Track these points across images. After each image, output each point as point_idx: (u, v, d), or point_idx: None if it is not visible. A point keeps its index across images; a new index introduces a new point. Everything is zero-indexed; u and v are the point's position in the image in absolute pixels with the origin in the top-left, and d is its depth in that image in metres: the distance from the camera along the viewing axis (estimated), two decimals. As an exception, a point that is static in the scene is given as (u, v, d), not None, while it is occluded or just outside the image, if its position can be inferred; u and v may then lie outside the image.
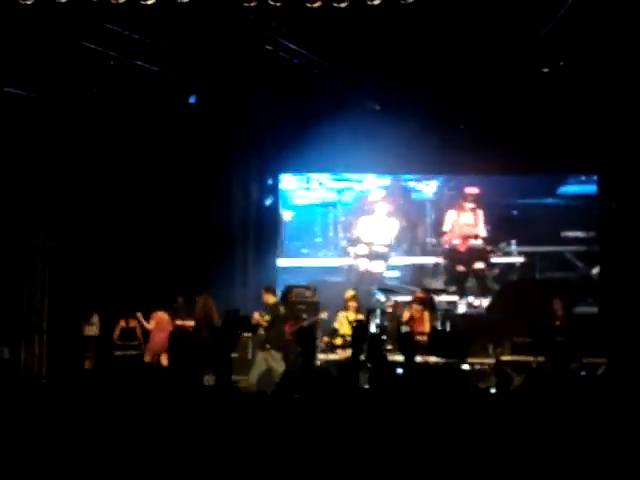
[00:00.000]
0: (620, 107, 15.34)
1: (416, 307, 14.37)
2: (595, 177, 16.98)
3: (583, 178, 17.13)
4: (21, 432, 6.43)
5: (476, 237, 17.03)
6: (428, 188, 17.42)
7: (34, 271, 14.83)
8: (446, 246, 17.12)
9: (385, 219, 17.31)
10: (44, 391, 7.49)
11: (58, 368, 14.09)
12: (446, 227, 17.12)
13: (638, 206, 15.85)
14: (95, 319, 14.89)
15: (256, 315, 13.92)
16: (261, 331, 13.99)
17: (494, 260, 17.00)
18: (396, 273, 17.17)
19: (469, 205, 17.02)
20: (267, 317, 13.85)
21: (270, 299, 14.13)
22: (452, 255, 17.07)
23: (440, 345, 12.75)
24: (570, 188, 17.08)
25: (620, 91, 14.95)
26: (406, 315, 14.41)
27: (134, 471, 6.05)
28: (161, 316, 14.91)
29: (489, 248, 16.98)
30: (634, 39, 13.08)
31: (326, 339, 14.49)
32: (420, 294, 14.89)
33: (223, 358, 12.27)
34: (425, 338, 13.50)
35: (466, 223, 17.06)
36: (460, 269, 17.04)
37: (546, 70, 14.39)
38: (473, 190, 17.01)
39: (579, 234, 16.89)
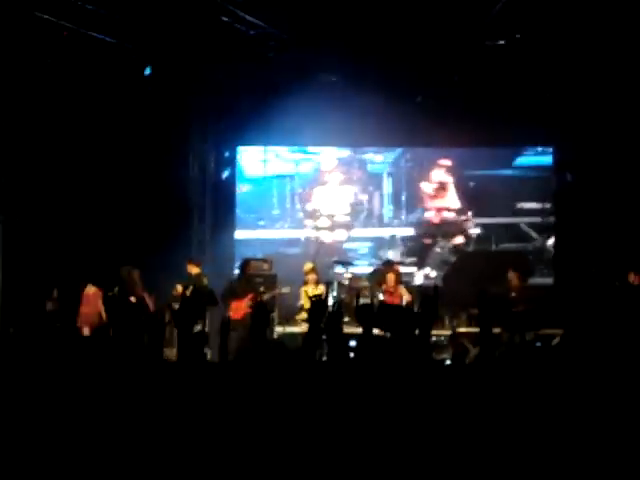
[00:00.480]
0: (575, 78, 15.44)
1: (390, 280, 14.38)
2: (551, 149, 17.10)
3: (539, 149, 17.24)
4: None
5: (448, 209, 17.10)
6: (384, 159, 17.46)
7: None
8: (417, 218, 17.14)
9: (338, 189, 17.32)
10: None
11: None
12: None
13: (592, 177, 16.02)
14: (55, 294, 14.74)
15: (178, 287, 13.89)
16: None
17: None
18: (354, 244, 17.23)
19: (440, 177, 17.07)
20: (189, 288, 13.82)
21: (193, 270, 14.12)
22: (425, 228, 17.10)
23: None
24: (526, 160, 17.20)
25: (575, 63, 15.06)
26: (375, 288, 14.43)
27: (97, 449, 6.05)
28: (87, 291, 14.66)
29: (463, 219, 17.04)
30: (588, 12, 13.18)
31: (301, 316, 14.49)
32: (394, 267, 14.92)
33: (186, 332, 12.32)
34: None
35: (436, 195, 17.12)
36: (426, 242, 17.11)
37: (502, 42, 14.44)
38: (445, 162, 17.05)
39: (534, 205, 17.02)
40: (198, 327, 13.66)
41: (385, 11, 13.27)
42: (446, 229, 17.14)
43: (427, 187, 17.22)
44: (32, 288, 14.54)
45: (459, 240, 17.10)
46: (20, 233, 14.79)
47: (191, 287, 13.81)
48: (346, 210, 17.28)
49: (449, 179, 17.15)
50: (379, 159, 17.50)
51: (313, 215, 17.31)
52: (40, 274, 14.64)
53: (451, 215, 17.15)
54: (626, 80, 15.12)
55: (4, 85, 14.39)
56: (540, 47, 14.55)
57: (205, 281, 14.16)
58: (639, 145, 15.73)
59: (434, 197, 17.19)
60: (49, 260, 14.78)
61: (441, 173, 17.16)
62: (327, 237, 17.19)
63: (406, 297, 14.24)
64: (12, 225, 14.78)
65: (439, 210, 17.18)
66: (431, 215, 17.21)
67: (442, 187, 17.15)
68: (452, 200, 17.15)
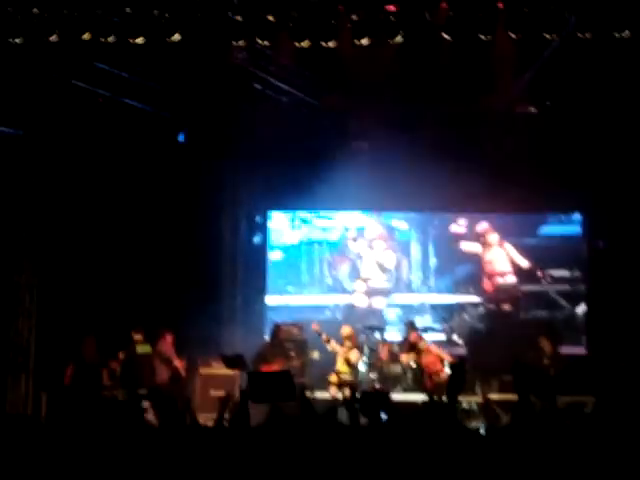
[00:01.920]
0: (605, 144, 15.48)
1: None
2: (576, 216, 17.05)
3: (563, 218, 17.22)
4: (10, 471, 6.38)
5: (503, 274, 17.03)
6: (409, 226, 17.48)
7: (20, 309, 14.75)
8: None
9: (382, 255, 17.34)
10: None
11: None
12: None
13: (625, 244, 15.94)
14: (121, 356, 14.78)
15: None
16: None
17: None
18: (386, 311, 17.20)
19: (491, 241, 17.01)
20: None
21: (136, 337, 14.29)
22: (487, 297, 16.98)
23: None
24: (551, 228, 17.15)
25: (603, 129, 15.13)
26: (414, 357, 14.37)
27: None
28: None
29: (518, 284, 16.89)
30: (617, 81, 13.27)
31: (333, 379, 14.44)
32: (414, 335, 14.88)
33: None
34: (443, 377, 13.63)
35: (491, 260, 17.04)
36: (505, 308, 16.91)
37: (532, 110, 14.55)
38: (482, 226, 17.04)
39: (563, 273, 16.93)
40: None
41: (414, 78, 13.40)
42: (502, 296, 17.03)
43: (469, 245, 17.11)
44: (65, 352, 14.56)
45: (506, 307, 16.94)
46: (54, 297, 14.86)
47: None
48: (384, 276, 17.26)
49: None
50: (405, 226, 17.54)
51: (341, 281, 17.28)
52: (73, 337, 14.65)
53: (504, 280, 17.01)
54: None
55: (42, 151, 14.61)
56: (568, 114, 14.64)
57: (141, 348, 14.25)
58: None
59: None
60: (82, 323, 14.80)
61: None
62: (363, 302, 17.13)
63: (446, 357, 14.25)
64: (47, 289, 14.87)
65: (491, 276, 17.05)
66: (485, 282, 17.07)
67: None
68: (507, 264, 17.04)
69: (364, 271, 17.32)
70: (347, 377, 14.43)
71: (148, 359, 14.50)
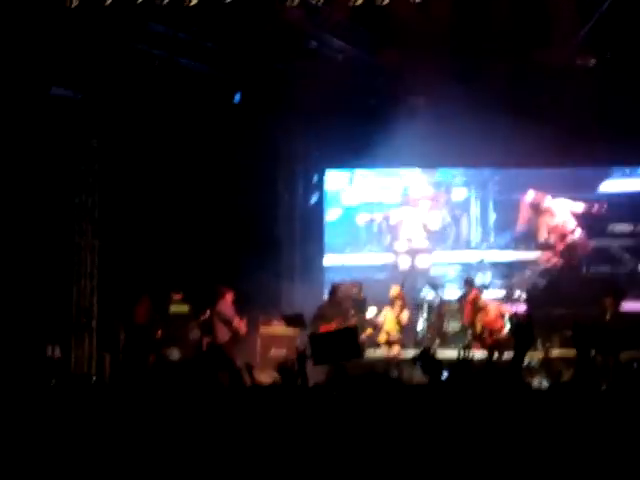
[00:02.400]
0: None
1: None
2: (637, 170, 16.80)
3: (627, 171, 16.95)
4: (74, 432, 6.45)
5: (572, 232, 16.83)
6: (469, 182, 17.34)
7: (82, 270, 14.95)
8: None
9: (427, 214, 17.23)
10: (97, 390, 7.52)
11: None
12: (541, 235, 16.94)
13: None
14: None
15: None
16: None
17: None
18: (443, 269, 17.11)
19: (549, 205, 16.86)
20: None
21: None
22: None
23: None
24: (615, 182, 16.89)
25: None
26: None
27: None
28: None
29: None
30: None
31: (370, 331, 14.46)
32: (474, 291, 14.80)
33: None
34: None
35: (556, 225, 16.89)
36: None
37: (593, 61, 14.27)
38: (531, 196, 16.90)
39: (626, 227, 16.70)
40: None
41: (473, 32, 13.23)
42: (573, 253, 16.85)
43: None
44: (129, 312, 14.76)
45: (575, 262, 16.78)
46: (116, 258, 15.03)
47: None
48: (429, 235, 17.15)
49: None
50: (464, 182, 17.40)
51: (398, 240, 17.23)
52: (135, 298, 14.83)
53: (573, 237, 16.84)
54: None
55: (101, 114, 14.71)
56: (629, 64, 14.35)
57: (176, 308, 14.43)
58: None
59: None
60: (142, 284, 14.96)
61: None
62: (407, 262, 17.07)
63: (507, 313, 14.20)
64: (108, 250, 15.04)
65: (563, 237, 16.89)
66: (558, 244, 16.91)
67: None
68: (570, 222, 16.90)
69: (407, 231, 17.23)
70: (396, 336, 14.44)
71: (183, 319, 14.66)
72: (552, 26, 13.06)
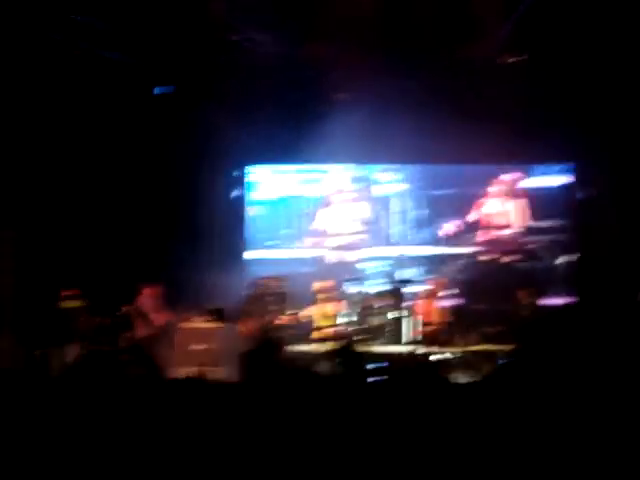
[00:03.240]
0: (593, 91, 15.42)
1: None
2: (558, 167, 17.02)
3: (543, 169, 17.17)
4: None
5: (505, 227, 16.90)
6: (390, 178, 17.40)
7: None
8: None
9: (346, 208, 17.25)
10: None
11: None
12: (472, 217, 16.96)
13: (615, 193, 15.92)
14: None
15: None
16: None
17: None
18: (367, 264, 17.16)
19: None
20: None
21: None
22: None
23: None
24: (533, 179, 17.10)
25: (594, 76, 15.06)
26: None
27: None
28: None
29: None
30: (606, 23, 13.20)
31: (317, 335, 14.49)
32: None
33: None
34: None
35: (493, 213, 16.97)
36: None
37: (516, 58, 14.45)
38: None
39: (544, 224, 16.92)
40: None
41: (399, 25, 13.29)
42: (498, 248, 16.92)
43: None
44: (47, 304, 14.49)
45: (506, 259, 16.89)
46: (32, 249, 14.77)
47: None
48: (353, 230, 17.19)
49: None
50: (387, 178, 17.46)
51: (320, 235, 17.23)
52: (53, 292, 14.58)
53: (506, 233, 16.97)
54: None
55: (17, 104, 14.44)
56: (559, 61, 14.54)
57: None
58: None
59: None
60: (60, 277, 14.73)
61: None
62: (333, 257, 17.10)
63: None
64: (23, 241, 14.77)
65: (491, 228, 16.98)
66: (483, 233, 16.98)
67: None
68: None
69: (331, 225, 17.25)
70: (328, 330, 14.47)
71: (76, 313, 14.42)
72: (477, 21, 13.20)
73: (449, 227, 16.87)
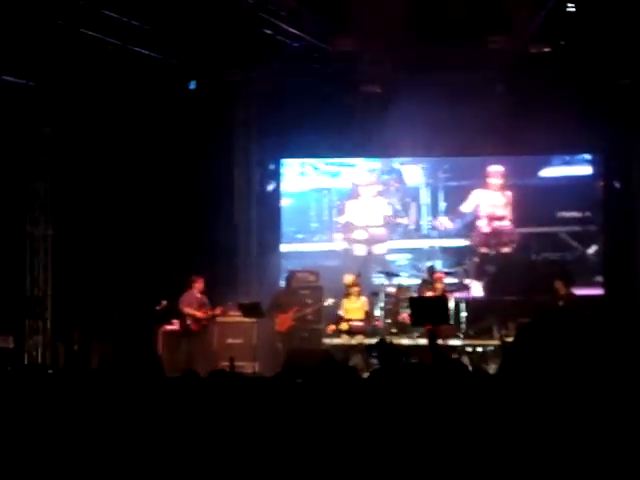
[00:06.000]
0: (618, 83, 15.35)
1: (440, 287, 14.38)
2: (583, 157, 16.98)
3: (567, 158, 17.08)
4: (27, 424, 6.39)
5: (501, 219, 16.93)
6: (418, 171, 17.37)
7: (36, 260, 14.78)
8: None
9: (374, 201, 17.22)
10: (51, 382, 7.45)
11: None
12: (467, 208, 16.98)
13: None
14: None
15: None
16: None
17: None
18: (394, 256, 17.15)
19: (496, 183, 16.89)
20: None
21: None
22: (477, 238, 16.93)
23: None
24: (556, 169, 17.00)
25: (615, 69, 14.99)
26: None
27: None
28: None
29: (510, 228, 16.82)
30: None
31: (332, 327, 14.49)
32: (439, 275, 14.82)
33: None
34: None
35: (493, 204, 16.96)
36: (482, 251, 16.91)
37: (547, 49, 14.38)
38: (498, 168, 16.88)
39: (574, 214, 16.81)
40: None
41: (426, 20, 13.27)
42: (498, 239, 16.90)
43: (484, 196, 17.02)
44: (82, 301, 14.62)
45: (505, 249, 16.85)
46: (70, 248, 14.86)
47: None
48: (381, 222, 17.16)
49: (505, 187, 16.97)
50: (416, 170, 17.42)
51: (348, 228, 17.22)
52: (89, 288, 14.69)
53: (503, 224, 16.93)
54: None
55: (53, 102, 14.54)
56: (584, 55, 14.50)
57: None
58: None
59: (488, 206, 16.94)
60: (98, 274, 14.82)
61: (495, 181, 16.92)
62: (361, 250, 17.08)
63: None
64: (62, 240, 14.87)
65: (491, 219, 16.95)
66: (482, 224, 17.06)
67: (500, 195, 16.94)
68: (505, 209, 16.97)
69: (360, 218, 17.25)
70: (359, 324, 14.49)
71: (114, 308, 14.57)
72: (507, 14, 13.16)
73: (482, 222, 16.88)
